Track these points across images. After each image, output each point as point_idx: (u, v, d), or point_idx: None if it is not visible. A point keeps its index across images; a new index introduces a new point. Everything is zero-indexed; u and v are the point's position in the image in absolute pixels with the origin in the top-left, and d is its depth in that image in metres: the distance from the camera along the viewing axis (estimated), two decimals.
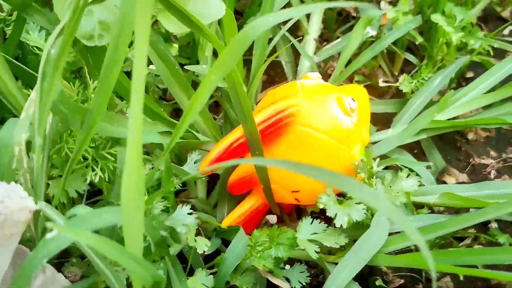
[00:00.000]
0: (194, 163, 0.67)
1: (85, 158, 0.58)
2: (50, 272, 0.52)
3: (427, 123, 0.77)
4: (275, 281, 0.63)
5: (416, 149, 0.87)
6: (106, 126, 0.54)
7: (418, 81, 0.82)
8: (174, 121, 0.68)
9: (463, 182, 0.83)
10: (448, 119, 0.79)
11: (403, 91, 0.83)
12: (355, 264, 0.59)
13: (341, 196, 0.66)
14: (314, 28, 0.90)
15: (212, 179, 0.77)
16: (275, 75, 0.94)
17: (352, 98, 0.67)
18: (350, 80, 0.94)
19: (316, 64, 0.88)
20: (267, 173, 0.65)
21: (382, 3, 0.82)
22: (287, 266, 0.66)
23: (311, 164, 0.64)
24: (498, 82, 0.82)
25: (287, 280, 0.64)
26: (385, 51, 0.91)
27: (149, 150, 0.69)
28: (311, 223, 0.64)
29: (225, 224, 0.70)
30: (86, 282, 0.57)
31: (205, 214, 0.73)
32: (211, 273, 0.63)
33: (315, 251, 0.61)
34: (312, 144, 0.65)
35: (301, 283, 0.64)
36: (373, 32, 0.84)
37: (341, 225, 0.61)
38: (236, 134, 0.64)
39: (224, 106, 0.78)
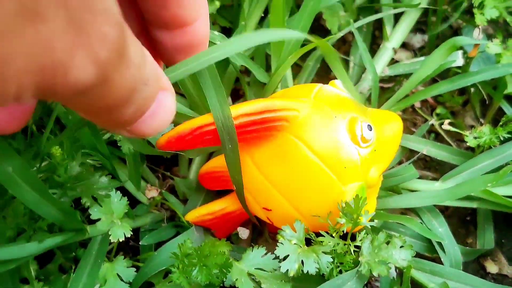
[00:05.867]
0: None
1: None
2: None
3: (476, 191, 0.61)
4: None
5: (469, 216, 0.71)
6: None
7: (494, 138, 0.64)
8: None
9: (505, 276, 0.66)
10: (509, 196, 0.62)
11: (468, 144, 0.66)
12: None
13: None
14: (397, 35, 0.75)
15: None
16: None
17: (369, 125, 0.53)
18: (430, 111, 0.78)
19: (387, 78, 0.74)
20: (240, 175, 0.53)
21: (476, 31, 0.65)
22: None
23: (293, 182, 0.53)
24: None
25: None
26: (480, 91, 0.74)
27: None
28: (262, 256, 0.52)
29: (188, 217, 0.60)
30: None
31: (175, 199, 0.63)
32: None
33: None
34: (298, 162, 0.52)
35: None
36: (460, 62, 0.68)
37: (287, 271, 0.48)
38: (207, 118, 0.50)
39: (245, 91, 0.66)
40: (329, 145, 0.51)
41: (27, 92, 0.25)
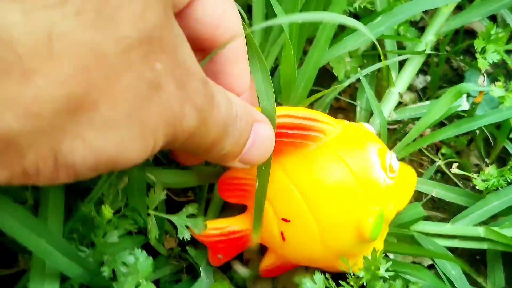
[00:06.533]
0: None
1: None
2: None
3: (486, 233, 0.63)
4: None
5: (479, 255, 0.72)
6: None
7: (501, 180, 0.66)
8: None
9: None
10: None
11: (476, 187, 0.68)
12: None
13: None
14: (403, 80, 0.77)
15: None
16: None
17: (396, 157, 0.55)
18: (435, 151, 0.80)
19: (394, 122, 0.76)
20: (268, 173, 0.52)
21: (481, 78, 0.67)
22: None
23: (321, 191, 0.53)
24: None
25: None
26: (484, 131, 0.76)
27: None
28: None
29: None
30: None
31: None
32: None
33: None
34: (330, 172, 0.53)
35: None
36: (465, 106, 0.70)
37: None
38: None
39: None
40: (361, 162, 0.53)
41: (160, 143, 0.33)
